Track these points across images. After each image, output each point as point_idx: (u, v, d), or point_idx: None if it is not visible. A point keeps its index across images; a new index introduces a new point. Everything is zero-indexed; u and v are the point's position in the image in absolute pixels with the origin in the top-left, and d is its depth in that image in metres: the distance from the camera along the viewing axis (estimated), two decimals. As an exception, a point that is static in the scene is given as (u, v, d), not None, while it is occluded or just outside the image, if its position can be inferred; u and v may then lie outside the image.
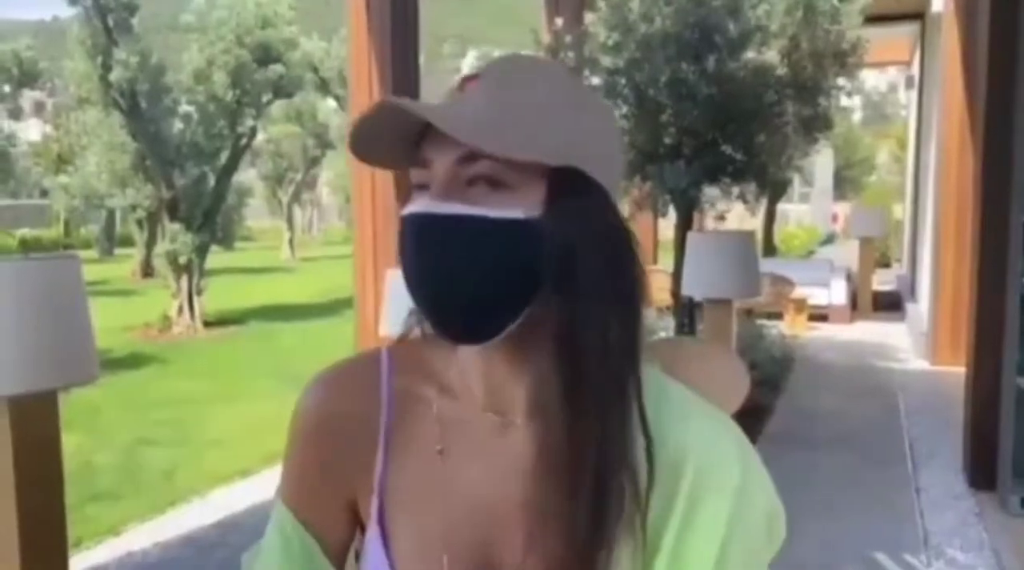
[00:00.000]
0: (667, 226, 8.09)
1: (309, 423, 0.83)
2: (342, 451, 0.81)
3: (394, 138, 0.73)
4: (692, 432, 0.76)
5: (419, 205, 0.71)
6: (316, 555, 0.82)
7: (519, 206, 0.70)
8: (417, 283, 0.72)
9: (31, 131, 35.41)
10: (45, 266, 2.25)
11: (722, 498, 0.74)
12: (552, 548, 0.70)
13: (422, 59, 6.10)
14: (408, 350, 0.83)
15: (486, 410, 0.77)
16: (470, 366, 0.78)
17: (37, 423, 2.31)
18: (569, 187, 0.71)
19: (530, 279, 0.70)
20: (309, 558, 0.81)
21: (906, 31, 11.85)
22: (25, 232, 28.84)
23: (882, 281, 12.24)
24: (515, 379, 0.75)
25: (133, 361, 8.99)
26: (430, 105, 0.72)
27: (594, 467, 0.70)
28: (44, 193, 29.19)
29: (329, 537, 0.82)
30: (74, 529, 2.48)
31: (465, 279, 0.70)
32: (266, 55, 10.93)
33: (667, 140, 5.96)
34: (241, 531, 4.15)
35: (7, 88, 21.60)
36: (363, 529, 0.82)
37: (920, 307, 9.39)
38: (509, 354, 0.74)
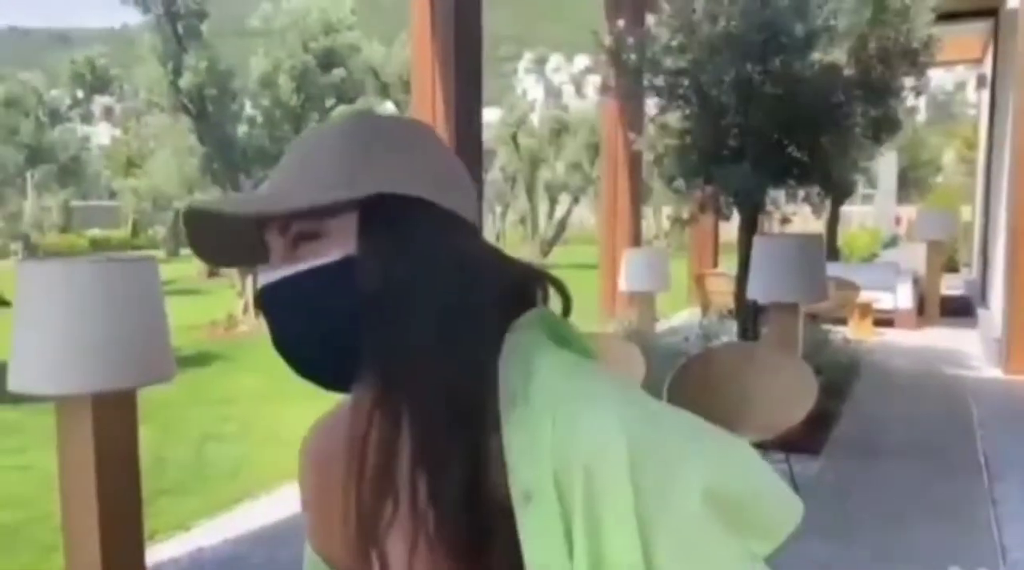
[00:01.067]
0: (728, 229, 8.00)
1: (308, 468, 0.91)
2: (335, 488, 0.81)
3: (242, 234, 0.79)
4: (577, 435, 0.66)
5: (260, 279, 0.77)
6: None
7: (337, 248, 0.72)
8: (277, 351, 0.77)
9: (101, 135, 36.58)
10: (125, 268, 2.31)
11: (618, 506, 0.63)
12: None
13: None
14: None
15: None
16: None
17: (117, 420, 2.38)
18: (379, 213, 0.72)
19: (356, 316, 0.72)
20: None
21: (977, 28, 11.50)
22: (95, 232, 29.80)
23: (950, 286, 11.90)
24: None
25: (200, 359, 9.21)
26: (230, 197, 0.79)
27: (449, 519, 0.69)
28: (113, 195, 30.13)
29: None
30: (147, 522, 2.55)
31: (304, 334, 0.74)
32: (329, 60, 11.13)
33: (731, 142, 5.89)
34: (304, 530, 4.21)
35: (80, 94, 22.33)
36: None
37: (992, 313, 9.10)
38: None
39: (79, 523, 2.34)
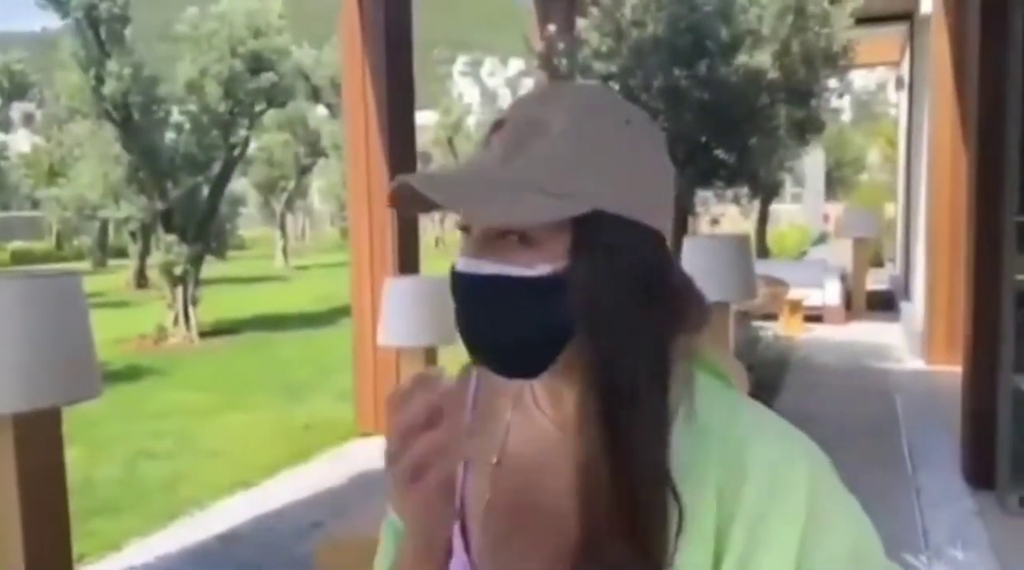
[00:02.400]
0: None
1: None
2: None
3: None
4: (759, 446, 0.74)
5: (460, 263, 0.76)
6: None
7: (546, 261, 0.72)
8: (462, 334, 0.77)
9: (21, 143, 35.33)
10: (47, 283, 2.25)
11: (788, 529, 0.71)
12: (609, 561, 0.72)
13: (414, 66, 6.12)
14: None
15: (553, 421, 0.81)
16: (544, 389, 0.82)
17: (41, 440, 2.31)
18: (593, 232, 0.72)
19: (560, 328, 0.73)
20: None
21: (895, 31, 11.92)
22: (17, 244, 28.77)
23: (876, 281, 12.29)
24: (568, 397, 0.79)
25: (130, 373, 8.97)
26: (444, 176, 0.75)
27: (629, 492, 0.71)
28: (36, 205, 29.13)
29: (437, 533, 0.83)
30: (76, 544, 2.48)
31: (498, 331, 0.75)
32: (258, 64, 10.95)
33: (660, 145, 5.99)
34: (243, 543, 4.15)
35: (-3, 100, 21.54)
36: None
37: (915, 306, 9.44)
38: (559, 381, 0.78)
39: (3, 548, 2.27)
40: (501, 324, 0.74)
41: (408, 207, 0.78)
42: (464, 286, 0.76)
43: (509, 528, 0.81)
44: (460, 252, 0.77)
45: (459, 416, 0.86)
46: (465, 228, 0.77)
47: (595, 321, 0.72)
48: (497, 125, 0.77)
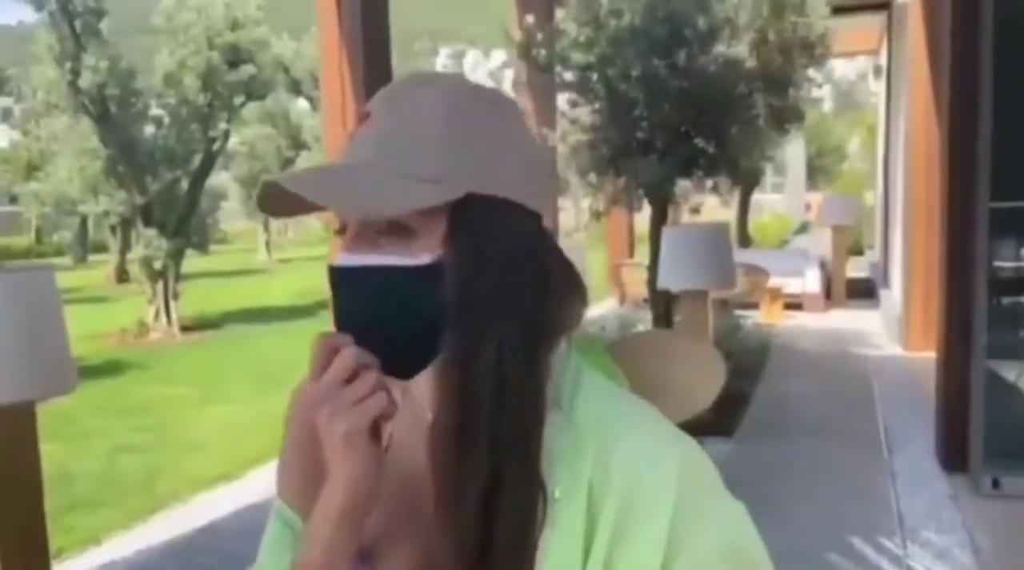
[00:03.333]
0: (644, 220, 8.15)
1: (295, 419, 0.87)
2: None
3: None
4: (627, 446, 0.72)
5: (338, 257, 0.75)
6: None
7: (424, 250, 0.72)
8: (344, 330, 0.74)
9: (-1, 138, 34.91)
10: (19, 277, 2.24)
11: (652, 526, 0.69)
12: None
13: (394, 58, 6.10)
14: None
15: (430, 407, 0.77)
16: (421, 385, 0.79)
17: (15, 435, 2.30)
18: (468, 216, 0.72)
19: (439, 317, 0.72)
20: None
21: (874, 20, 11.98)
22: (-4, 240, 28.48)
23: (856, 268, 12.38)
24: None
25: (110, 368, 8.93)
26: (314, 173, 0.73)
27: (477, 494, 0.70)
28: (14, 200, 28.83)
29: None
30: (55, 539, 2.48)
31: (378, 325, 0.72)
32: (236, 57, 10.87)
33: (640, 135, 6.00)
34: (223, 536, 4.15)
35: (-27, 95, 21.27)
36: None
37: (893, 293, 9.52)
38: (448, 384, 0.74)
39: (-22, 544, 2.26)
40: (380, 318, 0.72)
41: (281, 209, 0.77)
42: (342, 281, 0.74)
43: (390, 517, 0.80)
44: (336, 253, 0.76)
45: None
46: (342, 229, 0.76)
47: (465, 308, 0.71)
48: (363, 117, 0.76)
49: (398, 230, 0.72)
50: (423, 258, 0.71)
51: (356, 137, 0.75)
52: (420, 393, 0.77)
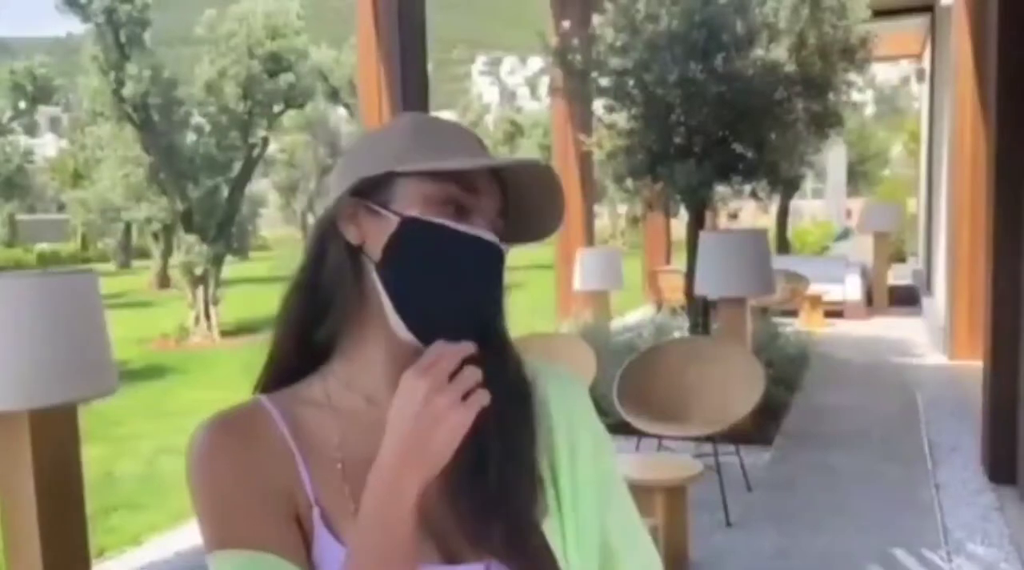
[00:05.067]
0: (680, 225, 8.09)
1: (225, 459, 0.82)
2: (267, 476, 0.81)
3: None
4: (554, 384, 0.92)
5: (486, 234, 0.81)
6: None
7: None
8: (466, 297, 0.80)
9: (47, 146, 35.79)
10: (63, 281, 2.28)
11: (586, 433, 0.90)
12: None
13: (431, 65, 6.13)
14: (282, 384, 0.91)
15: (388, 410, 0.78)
16: (377, 379, 0.85)
17: (57, 436, 2.34)
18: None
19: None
20: None
21: (916, 24, 11.78)
22: (43, 246, 29.15)
23: (898, 276, 12.16)
24: None
25: (152, 372, 9.07)
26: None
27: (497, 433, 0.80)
28: (61, 207, 29.51)
29: (293, 557, 0.80)
30: (97, 539, 2.51)
31: (494, 295, 0.83)
32: (276, 65, 11.02)
33: (677, 140, 5.97)
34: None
35: (23, 105, 21.84)
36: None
37: (936, 301, 9.33)
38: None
39: (20, 543, 2.30)
40: (499, 288, 0.83)
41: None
42: (486, 256, 0.81)
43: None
44: (445, 216, 0.80)
45: (281, 448, 0.84)
46: (462, 206, 0.80)
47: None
48: (481, 143, 0.89)
49: (500, 229, 0.83)
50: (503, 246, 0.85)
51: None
52: (366, 382, 0.87)
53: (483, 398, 0.74)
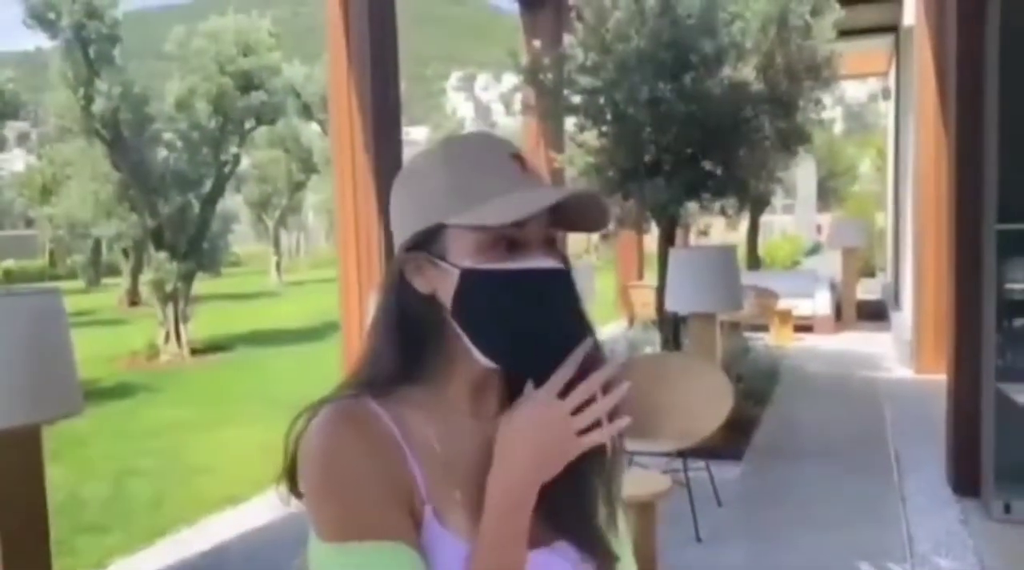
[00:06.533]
0: (654, 240, 8.15)
1: (356, 459, 0.84)
2: (392, 471, 0.85)
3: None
4: None
5: (545, 261, 0.87)
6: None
7: (561, 256, 0.89)
8: (539, 323, 0.85)
9: (16, 162, 35.33)
10: (27, 300, 2.26)
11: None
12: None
13: (406, 81, 6.15)
14: (387, 388, 0.91)
15: (478, 419, 0.91)
16: (478, 394, 0.92)
17: (20, 457, 2.31)
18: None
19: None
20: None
21: (882, 43, 12.02)
22: (10, 263, 28.72)
23: (867, 290, 12.33)
24: (494, 387, 0.92)
25: (120, 390, 8.96)
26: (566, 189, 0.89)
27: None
28: (29, 223, 29.11)
29: (417, 549, 0.84)
30: (62, 562, 2.48)
31: (561, 319, 0.87)
32: (248, 82, 10.99)
33: (647, 157, 6.02)
34: (231, 559, 4.14)
35: (-10, 120, 21.57)
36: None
37: (904, 316, 9.47)
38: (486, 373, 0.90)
39: (-19, 566, 2.27)
40: (565, 311, 0.87)
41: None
42: (550, 281, 0.86)
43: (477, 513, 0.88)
44: (500, 259, 0.85)
45: (394, 444, 0.87)
46: (511, 242, 0.86)
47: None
48: (518, 156, 0.91)
49: (556, 242, 0.88)
50: (565, 261, 0.89)
51: (530, 170, 0.90)
52: (458, 391, 0.91)
53: (623, 422, 0.83)
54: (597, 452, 0.88)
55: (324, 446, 0.84)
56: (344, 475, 0.83)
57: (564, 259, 0.88)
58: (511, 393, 0.89)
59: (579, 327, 0.87)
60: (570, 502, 0.90)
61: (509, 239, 0.85)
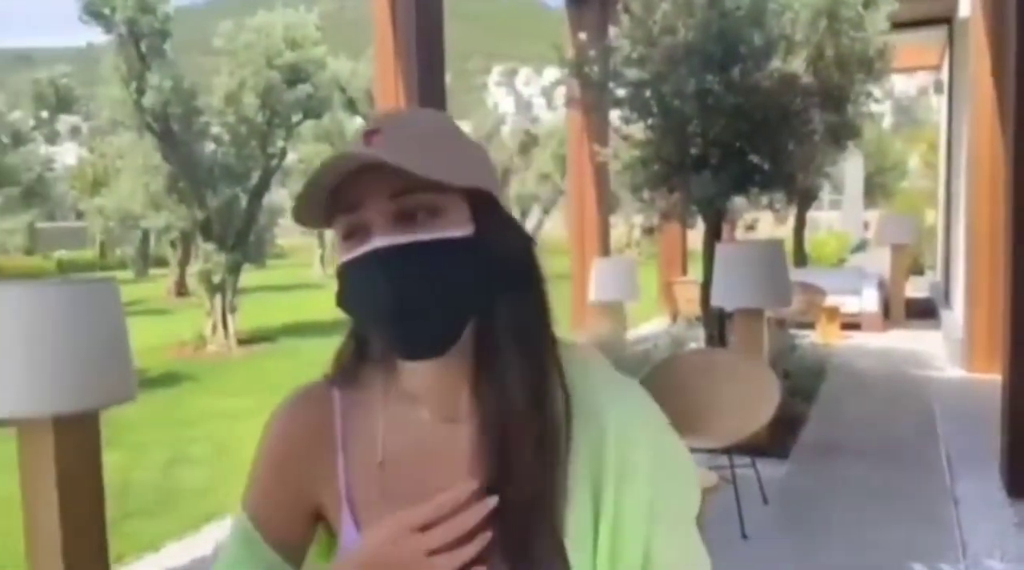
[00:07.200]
0: (697, 236, 8.08)
1: (274, 438, 0.93)
2: (304, 461, 0.91)
3: (315, 199, 0.81)
4: (611, 395, 0.86)
5: (376, 241, 0.79)
6: (273, 559, 0.91)
7: (455, 227, 0.80)
8: (388, 312, 0.79)
9: (67, 155, 36.12)
10: (86, 289, 2.31)
11: (642, 464, 0.83)
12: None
13: (448, 77, 6.16)
14: (350, 373, 0.93)
15: (435, 417, 0.86)
16: (419, 381, 0.87)
17: (79, 442, 2.37)
18: (484, 206, 0.82)
19: (476, 290, 0.81)
20: (268, 563, 0.91)
21: (935, 36, 11.74)
22: (62, 254, 29.41)
23: (916, 288, 12.08)
24: (461, 385, 0.85)
25: (168, 379, 9.13)
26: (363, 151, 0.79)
27: (531, 435, 0.81)
28: (80, 215, 29.77)
29: (288, 542, 0.92)
30: (114, 544, 2.53)
31: (429, 299, 0.79)
32: (295, 76, 11.10)
33: (693, 151, 5.97)
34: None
35: (44, 114, 22.09)
36: (329, 533, 0.94)
37: (955, 314, 9.26)
38: (457, 363, 0.83)
39: (42, 546, 2.33)
40: (430, 291, 0.78)
41: (310, 215, 0.83)
42: (390, 261, 0.78)
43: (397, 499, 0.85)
44: (352, 248, 0.80)
45: (330, 438, 0.91)
46: (357, 228, 0.80)
47: (503, 284, 0.82)
48: (371, 132, 0.81)
49: (431, 211, 0.79)
50: (458, 232, 0.80)
51: (376, 143, 0.79)
52: (420, 394, 0.87)
53: (480, 542, 0.77)
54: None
55: (266, 424, 0.94)
56: (264, 452, 0.93)
57: (441, 228, 0.79)
58: (479, 393, 0.83)
59: (449, 296, 0.79)
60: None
61: (353, 227, 0.81)
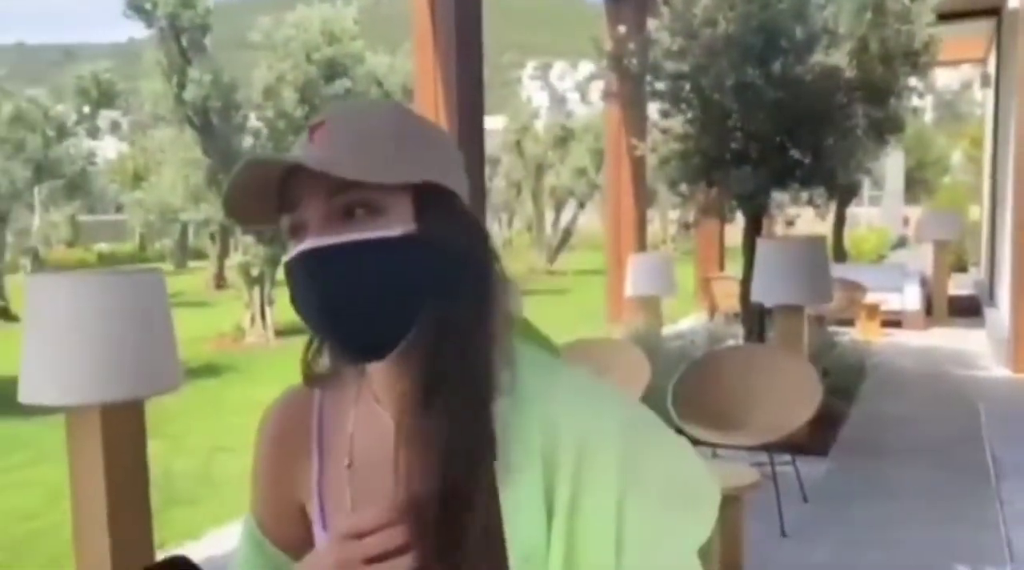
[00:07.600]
0: (734, 231, 7.99)
1: (264, 442, 0.95)
2: (290, 464, 0.92)
3: (260, 196, 0.80)
4: (570, 409, 0.78)
5: (308, 242, 0.77)
6: (281, 559, 0.94)
7: (395, 225, 0.77)
8: (321, 315, 0.78)
9: (108, 149, 36.72)
10: (132, 280, 2.34)
11: (605, 473, 0.75)
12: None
13: (484, 71, 6.16)
14: (334, 371, 0.93)
15: (394, 417, 0.83)
16: (381, 380, 0.85)
17: (125, 429, 2.40)
18: (432, 200, 0.79)
19: (416, 290, 0.77)
20: (276, 563, 0.93)
21: (980, 27, 11.49)
22: (103, 246, 29.94)
23: (958, 286, 11.86)
24: (402, 384, 0.81)
25: (208, 370, 9.25)
26: (293, 153, 0.79)
27: (444, 452, 0.75)
28: (120, 209, 30.28)
29: (291, 543, 0.93)
30: (156, 532, 2.57)
31: (364, 300, 0.77)
32: (333, 71, 11.18)
33: (733, 145, 5.90)
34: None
35: (86, 109, 22.51)
36: None
37: (1000, 312, 9.07)
38: (413, 363, 0.79)
39: (89, 532, 2.37)
40: (364, 292, 0.76)
41: (246, 212, 0.82)
42: (321, 262, 0.76)
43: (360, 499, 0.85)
44: (293, 247, 0.79)
45: (309, 439, 0.91)
46: (298, 227, 0.79)
47: (440, 276, 0.78)
48: (315, 126, 0.80)
49: (370, 209, 0.76)
50: (397, 230, 0.77)
51: (317, 139, 0.78)
52: (379, 391, 0.85)
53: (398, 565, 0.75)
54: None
55: (258, 427, 0.97)
56: (256, 455, 0.96)
57: (384, 227, 0.76)
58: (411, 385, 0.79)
59: (385, 297, 0.76)
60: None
61: (294, 227, 0.79)
